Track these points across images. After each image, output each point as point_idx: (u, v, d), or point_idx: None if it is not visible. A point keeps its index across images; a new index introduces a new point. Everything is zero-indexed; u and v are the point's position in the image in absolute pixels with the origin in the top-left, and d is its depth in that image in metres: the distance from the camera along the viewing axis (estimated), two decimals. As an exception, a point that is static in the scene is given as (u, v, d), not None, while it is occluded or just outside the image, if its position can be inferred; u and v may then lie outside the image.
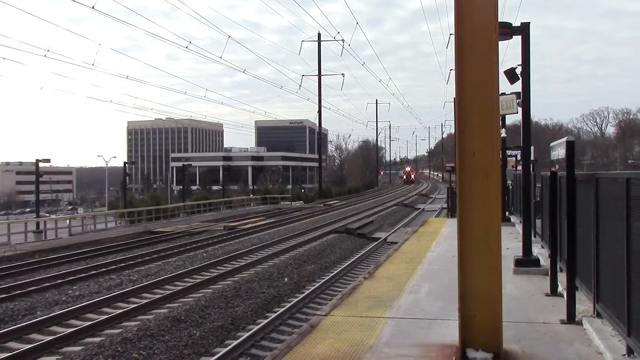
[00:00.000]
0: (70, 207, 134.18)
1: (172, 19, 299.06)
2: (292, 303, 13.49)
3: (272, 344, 10.60)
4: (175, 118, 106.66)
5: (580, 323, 7.66)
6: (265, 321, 11.90)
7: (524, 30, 11.49)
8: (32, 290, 15.50)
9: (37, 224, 35.10)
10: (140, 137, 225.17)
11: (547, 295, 9.70)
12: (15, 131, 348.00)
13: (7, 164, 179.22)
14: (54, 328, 11.98)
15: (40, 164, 41.48)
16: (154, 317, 12.08)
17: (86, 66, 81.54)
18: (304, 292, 14.86)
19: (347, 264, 19.45)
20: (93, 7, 23.69)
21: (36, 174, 40.93)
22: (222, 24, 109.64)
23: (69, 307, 13.42)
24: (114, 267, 19.22)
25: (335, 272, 17.74)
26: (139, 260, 20.62)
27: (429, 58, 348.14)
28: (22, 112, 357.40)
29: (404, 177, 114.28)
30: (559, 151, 8.71)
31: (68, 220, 36.51)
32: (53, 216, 70.46)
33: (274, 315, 12.42)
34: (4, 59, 39.47)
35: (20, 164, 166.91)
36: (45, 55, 36.35)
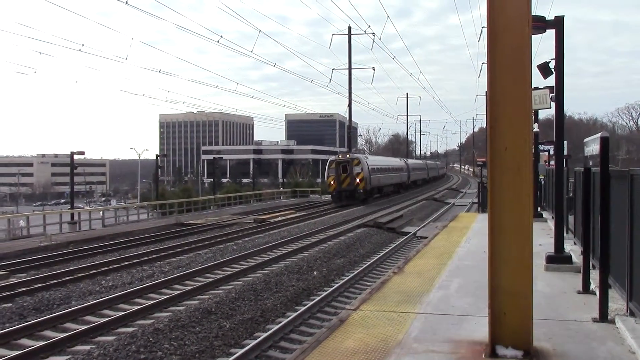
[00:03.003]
0: (103, 199, 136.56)
1: (201, 12, 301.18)
2: (321, 297, 13.54)
3: (301, 337, 10.67)
4: (206, 111, 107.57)
5: (612, 321, 7.55)
6: (295, 314, 11.97)
7: (558, 24, 11.30)
8: (67, 280, 15.83)
9: (72, 215, 35.80)
10: (172, 130, 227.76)
11: (579, 292, 9.57)
12: (51, 124, 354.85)
13: (43, 155, 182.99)
14: (88, 317, 12.23)
15: (75, 156, 42.22)
16: (185, 309, 12.25)
17: (119, 60, 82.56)
18: (333, 286, 14.90)
19: (376, 258, 19.43)
20: (126, 2, 23.94)
21: (71, 166, 41.69)
22: (251, 17, 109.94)
23: (102, 297, 13.68)
24: (146, 258, 19.52)
25: (365, 266, 17.74)
26: (171, 252, 20.90)
27: (459, 51, 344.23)
28: (57, 105, 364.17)
29: (331, 182, 44.44)
30: (592, 147, 8.57)
31: (101, 212, 37.14)
32: (87, 207, 71.71)
33: (303, 308, 12.49)
34: (40, 53, 40.24)
35: (56, 156, 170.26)
36: (80, 50, 36.93)
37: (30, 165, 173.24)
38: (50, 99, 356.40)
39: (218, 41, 33.86)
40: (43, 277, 16.23)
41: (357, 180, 42.85)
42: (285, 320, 11.46)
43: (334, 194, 44.04)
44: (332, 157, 45.53)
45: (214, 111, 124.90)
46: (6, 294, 14.16)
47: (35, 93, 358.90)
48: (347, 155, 44.80)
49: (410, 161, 74.18)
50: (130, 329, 11.01)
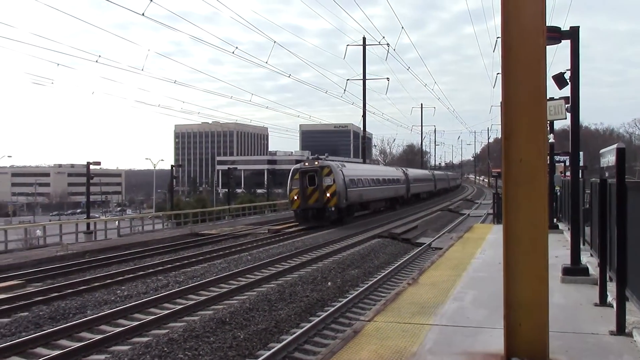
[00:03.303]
0: (118, 209, 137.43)
1: (215, 24, 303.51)
2: (335, 307, 13.51)
3: (315, 348, 10.64)
4: (221, 122, 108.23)
5: (630, 334, 7.46)
6: (309, 325, 11.95)
7: (573, 34, 11.26)
8: (83, 289, 15.93)
9: (88, 225, 36.10)
10: (187, 140, 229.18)
11: (595, 305, 9.47)
12: (68, 134, 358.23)
13: (60, 166, 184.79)
14: (103, 327, 12.29)
15: (91, 167, 42.71)
16: (199, 319, 12.28)
17: (135, 71, 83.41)
18: (347, 297, 14.86)
19: (390, 269, 19.37)
20: (143, 14, 24.23)
21: (87, 176, 42.13)
22: (265, 28, 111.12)
23: (117, 307, 13.75)
24: (161, 268, 19.60)
25: (379, 277, 17.68)
26: (185, 262, 20.97)
27: (473, 61, 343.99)
28: (74, 115, 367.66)
29: (294, 197, 35.17)
30: (608, 158, 8.52)
31: (117, 222, 37.40)
32: (103, 217, 72.21)
33: (317, 319, 12.46)
34: (58, 64, 40.75)
35: (72, 166, 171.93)
36: (96, 61, 37.23)
37: (47, 175, 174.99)
38: (67, 109, 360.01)
39: (233, 52, 34.21)
40: (59, 286, 16.36)
41: (327, 194, 33.64)
42: (300, 331, 11.44)
43: (298, 212, 34.76)
44: (297, 165, 36.03)
45: (229, 122, 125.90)
46: (23, 303, 14.28)
47: (53, 104, 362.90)
48: (316, 163, 34.75)
49: (411, 171, 62.99)
50: (144, 339, 11.05)
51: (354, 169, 40.73)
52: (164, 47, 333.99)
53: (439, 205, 59.70)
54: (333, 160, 40.66)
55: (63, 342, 11.29)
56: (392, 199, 48.96)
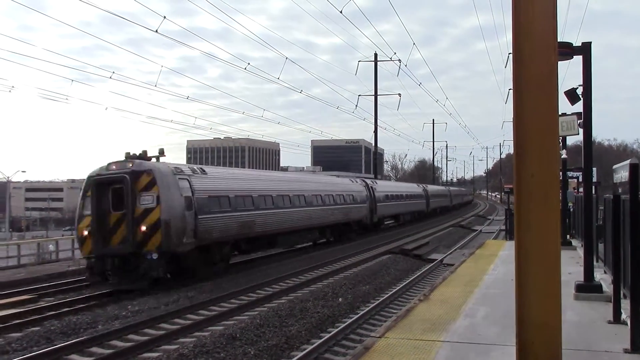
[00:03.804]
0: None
1: (227, 40, 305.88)
2: (346, 324, 13.45)
3: (325, 365, 10.58)
4: (232, 137, 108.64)
5: (645, 353, 7.37)
6: (319, 341, 11.89)
7: (585, 50, 11.24)
8: (94, 304, 15.97)
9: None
10: (199, 155, 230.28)
11: (609, 322, 9.37)
12: (82, 150, 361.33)
13: (73, 181, 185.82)
14: (114, 342, 12.30)
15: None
16: (209, 334, 12.26)
17: (149, 87, 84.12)
18: (358, 313, 14.79)
19: (401, 285, 19.27)
20: (156, 31, 24.47)
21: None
22: (276, 44, 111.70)
23: (128, 322, 13.76)
24: (172, 282, 19.60)
25: (390, 293, 17.60)
26: (196, 276, 20.95)
27: (484, 77, 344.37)
28: (87, 131, 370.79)
29: (84, 233, 18.82)
30: (622, 174, 8.47)
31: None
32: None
33: (327, 335, 12.40)
34: (72, 80, 41.28)
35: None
36: (110, 77, 37.72)
37: (61, 190, 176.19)
38: (81, 125, 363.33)
39: (245, 68, 34.31)
40: (70, 301, 16.41)
41: (144, 228, 18.29)
42: (310, 347, 11.39)
43: (91, 262, 18.86)
44: (94, 170, 19.73)
45: (241, 137, 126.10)
46: (35, 317, 14.33)
47: (67, 119, 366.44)
48: (129, 166, 18.96)
49: (430, 187, 55.40)
50: (155, 354, 11.05)
51: (385, 186, 43.62)
52: (175, 63, 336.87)
53: (451, 221, 59.39)
54: (337, 175, 44.46)
55: (74, 356, 11.31)
56: (416, 212, 50.77)
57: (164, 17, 23.79)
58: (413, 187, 59.69)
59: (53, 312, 14.87)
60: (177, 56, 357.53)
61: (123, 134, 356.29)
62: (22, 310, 15.19)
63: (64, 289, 19.03)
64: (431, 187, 68.31)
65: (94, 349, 11.77)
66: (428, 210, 61.27)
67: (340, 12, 28.84)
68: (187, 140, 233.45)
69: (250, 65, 35.73)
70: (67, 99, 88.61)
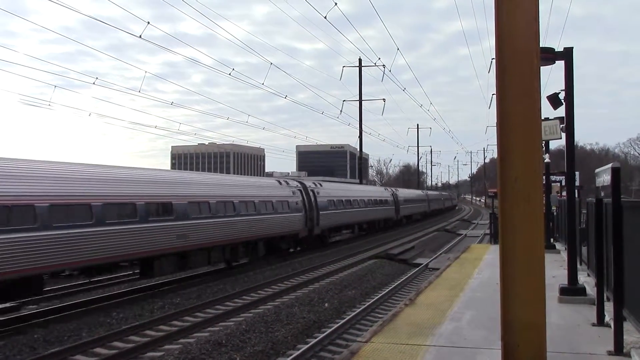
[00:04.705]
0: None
1: (210, 46, 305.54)
2: (332, 329, 13.44)
3: (312, 370, 10.57)
4: (217, 143, 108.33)
5: (628, 355, 7.44)
6: (305, 347, 11.88)
7: (566, 55, 11.38)
8: (79, 311, 15.81)
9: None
10: (184, 161, 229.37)
11: (593, 325, 9.45)
12: (65, 156, 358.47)
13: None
14: (98, 350, 12.19)
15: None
16: (195, 341, 12.19)
17: (132, 93, 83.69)
18: (344, 318, 14.80)
19: (387, 289, 19.31)
20: (140, 36, 24.37)
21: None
22: (260, 50, 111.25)
23: (113, 330, 13.64)
24: (158, 290, 19.48)
25: (376, 298, 17.62)
26: (182, 283, 20.85)
27: (468, 82, 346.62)
28: (71, 137, 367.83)
29: None
30: (604, 177, 8.56)
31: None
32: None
33: (314, 340, 12.39)
34: (55, 86, 40.76)
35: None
36: (94, 83, 37.50)
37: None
38: (64, 130, 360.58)
39: (230, 73, 34.25)
40: (54, 308, 16.22)
41: None
42: (296, 353, 11.37)
43: None
44: None
45: (226, 143, 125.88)
46: (18, 325, 14.15)
47: (49, 125, 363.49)
48: None
49: (328, 187, 36.89)
50: (140, 362, 10.96)
51: (334, 189, 35.86)
52: (158, 68, 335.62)
53: (435, 225, 59.30)
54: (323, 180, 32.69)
55: (58, 365, 11.19)
56: (381, 220, 44.34)
57: (148, 22, 23.71)
58: (379, 191, 51.42)
59: (37, 320, 14.70)
60: (161, 62, 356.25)
61: (107, 140, 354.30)
62: (5, 318, 14.99)
63: (48, 296, 18.82)
64: (403, 191, 60.88)
65: (78, 357, 11.66)
66: (398, 218, 53.92)
67: (325, 17, 28.86)
68: (172, 146, 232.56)
69: (235, 71, 35.65)
70: (49, 104, 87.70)
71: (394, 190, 56.59)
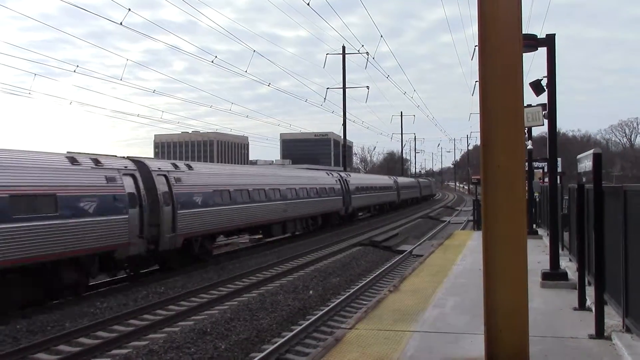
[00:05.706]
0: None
1: (191, 33, 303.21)
2: (317, 316, 13.48)
3: (297, 357, 10.61)
4: (201, 131, 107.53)
5: (609, 338, 7.54)
6: (290, 334, 11.90)
7: (549, 42, 11.42)
8: (62, 302, 15.71)
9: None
10: (167, 150, 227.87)
11: (575, 309, 9.57)
12: (46, 144, 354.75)
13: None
14: (82, 339, 12.12)
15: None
16: (179, 330, 12.17)
17: (114, 81, 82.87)
18: (329, 305, 14.84)
19: (372, 276, 19.37)
20: (121, 24, 24.08)
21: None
22: (242, 37, 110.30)
23: (97, 319, 13.57)
24: (142, 279, 19.40)
25: (361, 284, 17.68)
26: (166, 272, 20.77)
27: (451, 70, 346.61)
28: (52, 125, 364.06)
29: None
30: (585, 163, 8.64)
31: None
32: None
33: (299, 328, 12.42)
34: (35, 74, 40.22)
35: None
36: (74, 71, 37.08)
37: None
38: (45, 119, 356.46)
39: (212, 61, 33.96)
40: (37, 299, 16.08)
41: None
42: (281, 340, 11.39)
43: None
44: None
45: (209, 131, 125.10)
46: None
47: (30, 114, 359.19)
48: None
49: (355, 177, 46.86)
50: (124, 351, 10.92)
51: (358, 178, 46.39)
52: (139, 56, 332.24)
53: (419, 212, 59.94)
54: (333, 169, 47.38)
55: (40, 355, 11.12)
56: (387, 203, 52.86)
57: (129, 9, 23.44)
58: (385, 179, 60.61)
59: (19, 311, 14.57)
60: (142, 49, 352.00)
61: (88, 128, 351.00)
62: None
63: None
64: (401, 179, 69.94)
65: (61, 347, 11.59)
66: (399, 202, 62.46)
67: (308, 4, 28.69)
68: (155, 135, 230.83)
69: (217, 59, 35.41)
70: (29, 93, 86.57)
71: (395, 178, 65.96)
